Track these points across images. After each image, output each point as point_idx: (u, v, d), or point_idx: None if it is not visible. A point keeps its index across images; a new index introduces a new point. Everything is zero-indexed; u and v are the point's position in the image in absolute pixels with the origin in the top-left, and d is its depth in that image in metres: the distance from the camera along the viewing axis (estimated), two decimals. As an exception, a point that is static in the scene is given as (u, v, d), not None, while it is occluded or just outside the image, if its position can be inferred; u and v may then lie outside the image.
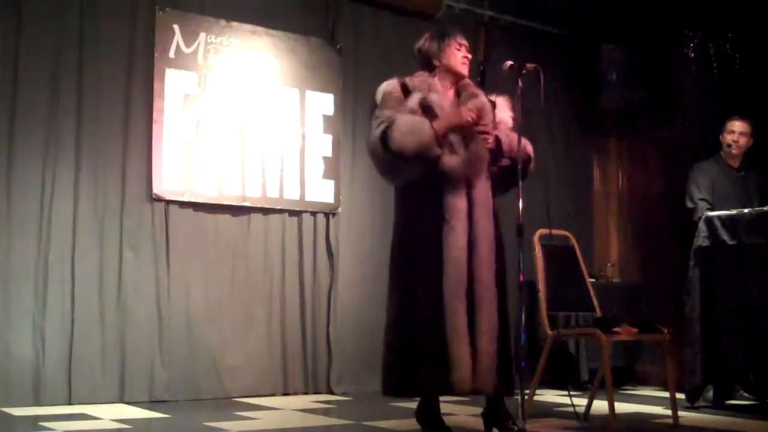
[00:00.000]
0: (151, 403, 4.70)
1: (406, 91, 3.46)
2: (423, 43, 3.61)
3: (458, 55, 3.54)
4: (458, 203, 3.36)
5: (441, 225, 3.34)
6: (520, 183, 3.43)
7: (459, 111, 3.39)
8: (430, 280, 3.31)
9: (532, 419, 3.83)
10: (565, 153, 6.72)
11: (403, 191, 3.50)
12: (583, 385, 5.54)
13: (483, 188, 3.45)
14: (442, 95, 3.48)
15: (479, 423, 3.64)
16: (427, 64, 3.58)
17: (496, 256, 3.43)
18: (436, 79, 3.52)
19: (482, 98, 3.56)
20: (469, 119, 3.37)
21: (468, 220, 3.37)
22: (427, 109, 3.39)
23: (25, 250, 4.54)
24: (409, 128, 3.31)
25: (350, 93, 5.72)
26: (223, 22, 5.26)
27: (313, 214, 5.51)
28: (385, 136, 3.32)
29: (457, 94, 3.58)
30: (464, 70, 3.57)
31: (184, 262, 5.01)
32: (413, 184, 3.42)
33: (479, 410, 3.65)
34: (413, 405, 3.61)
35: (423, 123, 3.33)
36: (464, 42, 3.57)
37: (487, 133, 3.43)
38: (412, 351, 3.33)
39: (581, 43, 6.74)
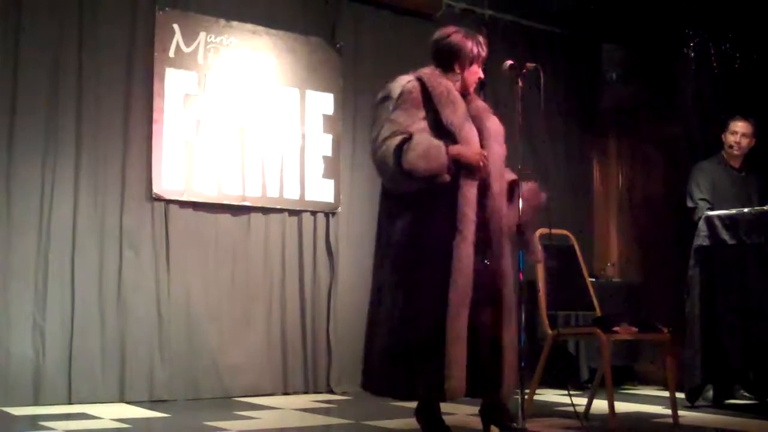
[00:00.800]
0: (151, 403, 4.69)
1: (425, 93, 3.38)
2: (460, 41, 3.49)
3: (476, 76, 3.50)
4: (470, 213, 3.31)
5: (453, 234, 3.29)
6: (520, 184, 3.42)
7: (475, 151, 3.31)
8: (436, 287, 3.27)
9: (532, 419, 3.83)
10: (565, 153, 6.71)
11: (411, 195, 3.40)
12: (583, 384, 5.54)
13: (501, 201, 3.42)
14: (460, 111, 3.40)
15: (479, 422, 3.63)
16: (447, 62, 3.49)
17: None
18: (450, 81, 3.45)
19: (496, 125, 3.52)
20: (480, 164, 3.31)
21: (485, 230, 3.34)
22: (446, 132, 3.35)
23: (25, 250, 4.54)
24: (424, 152, 3.25)
25: (350, 92, 5.72)
26: (222, 21, 5.26)
27: (313, 213, 5.51)
28: (399, 152, 3.27)
29: (465, 101, 3.50)
30: (472, 89, 3.54)
31: (184, 262, 5.01)
32: (425, 190, 3.34)
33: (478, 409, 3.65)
34: (412, 405, 3.61)
35: (438, 150, 3.27)
36: (486, 56, 3.53)
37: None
38: (410, 355, 3.30)
39: (581, 43, 6.74)
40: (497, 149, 3.44)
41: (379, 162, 3.35)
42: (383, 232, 3.49)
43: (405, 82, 3.40)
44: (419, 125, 3.33)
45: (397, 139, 3.29)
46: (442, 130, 3.34)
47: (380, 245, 3.50)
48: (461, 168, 3.31)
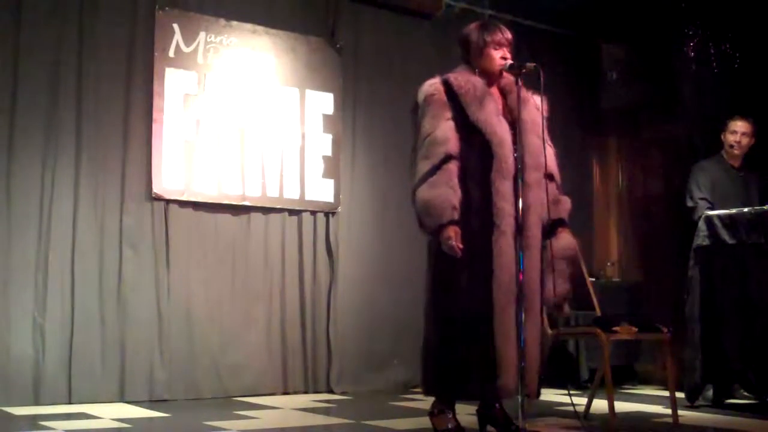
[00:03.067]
0: (151, 403, 4.70)
1: (450, 93, 3.40)
2: (467, 32, 3.53)
3: (496, 57, 3.46)
4: (506, 207, 3.31)
5: (491, 229, 3.30)
6: (520, 182, 3.41)
7: (451, 242, 3.26)
8: (479, 284, 3.27)
9: (531, 419, 3.83)
10: (565, 153, 6.68)
11: None
12: (583, 384, 5.54)
13: (537, 193, 3.41)
14: (488, 107, 3.41)
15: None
16: (466, 57, 3.53)
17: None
18: (478, 78, 3.46)
19: (532, 116, 3.47)
20: (451, 246, 3.26)
21: (516, 225, 3.31)
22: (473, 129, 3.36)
23: (25, 250, 4.54)
24: (428, 207, 3.28)
25: (350, 92, 5.73)
26: (222, 21, 5.26)
27: (313, 213, 5.51)
28: (415, 189, 3.32)
29: (503, 94, 3.52)
30: (497, 75, 3.50)
31: (184, 262, 5.01)
32: (461, 190, 3.35)
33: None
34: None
35: (443, 208, 3.26)
36: (504, 39, 3.48)
37: None
38: (459, 355, 3.32)
39: (582, 42, 6.73)
40: (533, 140, 3.44)
41: (410, 174, 3.41)
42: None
43: (428, 86, 3.45)
44: (445, 125, 3.36)
45: (420, 172, 3.32)
46: (469, 127, 3.37)
47: (428, 249, 3.48)
48: (492, 164, 3.32)
